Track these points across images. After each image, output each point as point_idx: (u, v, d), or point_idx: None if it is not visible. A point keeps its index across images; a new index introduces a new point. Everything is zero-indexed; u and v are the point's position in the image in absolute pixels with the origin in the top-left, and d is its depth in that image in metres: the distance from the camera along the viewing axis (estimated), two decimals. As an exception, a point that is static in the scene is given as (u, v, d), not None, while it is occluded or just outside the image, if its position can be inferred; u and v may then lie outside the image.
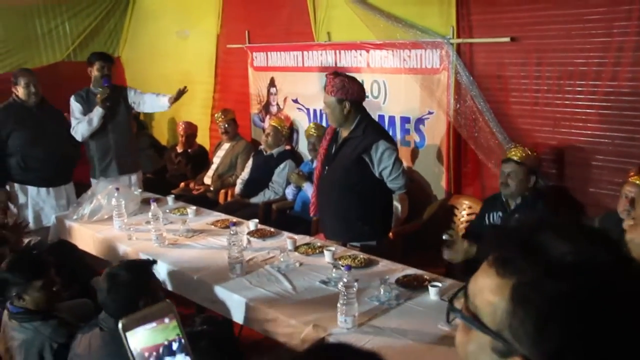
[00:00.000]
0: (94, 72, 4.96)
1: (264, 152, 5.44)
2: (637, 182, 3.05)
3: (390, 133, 4.34)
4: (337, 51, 5.20)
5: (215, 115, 6.09)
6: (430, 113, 4.58)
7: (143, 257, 3.49)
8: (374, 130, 3.63)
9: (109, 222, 4.11)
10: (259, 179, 5.31)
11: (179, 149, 6.51)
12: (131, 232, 3.92)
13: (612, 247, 0.76)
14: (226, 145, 5.92)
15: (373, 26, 4.76)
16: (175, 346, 1.01)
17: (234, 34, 6.29)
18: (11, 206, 4.88)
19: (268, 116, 6.03)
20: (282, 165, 5.24)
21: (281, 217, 4.84)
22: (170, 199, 4.63)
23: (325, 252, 3.31)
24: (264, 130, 5.84)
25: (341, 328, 2.51)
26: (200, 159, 6.40)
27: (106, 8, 7.54)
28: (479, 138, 4.22)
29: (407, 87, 4.70)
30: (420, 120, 4.66)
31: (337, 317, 2.52)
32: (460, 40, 4.27)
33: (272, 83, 5.97)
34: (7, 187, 4.86)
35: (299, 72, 5.61)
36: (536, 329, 0.72)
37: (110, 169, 5.08)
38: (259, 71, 6.09)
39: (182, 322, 1.08)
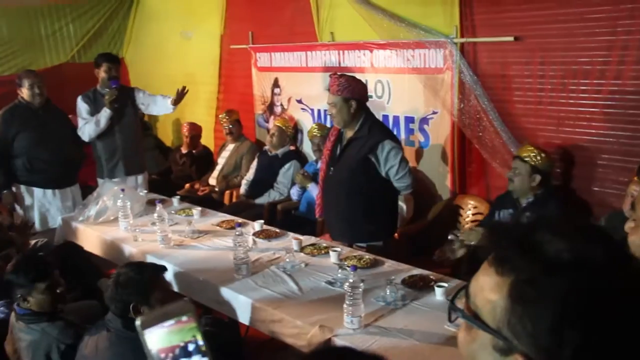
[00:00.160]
0: (101, 73, 4.98)
1: (269, 153, 5.45)
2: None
3: (395, 133, 4.33)
4: (341, 51, 5.21)
5: (220, 116, 6.10)
6: (434, 113, 4.58)
7: (150, 258, 3.51)
8: (379, 129, 3.63)
9: (115, 223, 4.12)
10: (264, 180, 5.32)
11: (184, 150, 6.52)
12: (137, 233, 3.92)
13: (612, 245, 0.77)
14: (231, 146, 5.93)
15: (376, 26, 4.76)
16: (191, 347, 1.01)
17: (237, 35, 6.30)
18: (17, 208, 4.90)
19: (272, 117, 6.04)
20: (287, 166, 5.24)
21: (286, 218, 4.85)
22: (175, 200, 4.64)
23: (331, 253, 3.31)
24: (268, 130, 5.85)
25: (347, 329, 2.51)
26: (204, 160, 6.42)
27: (110, 9, 7.56)
28: (484, 137, 4.21)
29: (411, 87, 4.70)
30: (424, 120, 4.67)
31: (343, 318, 2.53)
32: (463, 40, 4.27)
33: (276, 83, 5.98)
34: (13, 189, 4.88)
35: (303, 72, 5.61)
36: (534, 325, 0.73)
37: (117, 170, 5.10)
38: (263, 72, 6.10)
39: None
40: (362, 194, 3.58)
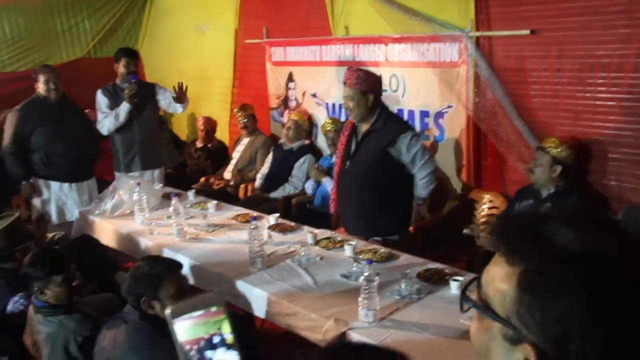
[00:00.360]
0: (121, 68, 5.02)
1: (284, 147, 5.46)
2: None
3: (410, 126, 4.34)
4: (355, 45, 5.20)
5: (234, 110, 6.12)
6: (449, 107, 4.56)
7: (165, 251, 3.54)
8: (396, 122, 3.65)
9: (131, 216, 4.15)
10: (279, 174, 5.33)
11: (199, 144, 6.55)
12: (153, 226, 3.96)
13: (626, 239, 0.76)
14: (245, 140, 5.95)
15: (391, 20, 4.75)
16: (216, 340, 1.02)
17: (252, 29, 6.31)
18: (35, 201, 4.95)
19: (287, 111, 6.05)
20: (301, 160, 5.25)
21: (301, 212, 4.86)
22: (191, 193, 4.66)
23: (346, 247, 3.32)
24: (283, 125, 5.86)
25: (362, 322, 2.52)
26: (219, 154, 6.44)
27: (125, 4, 7.61)
28: (499, 131, 4.19)
29: (426, 81, 4.68)
30: (439, 114, 4.65)
31: (358, 311, 2.53)
32: (479, 34, 4.24)
33: (290, 78, 5.98)
34: (31, 181, 4.92)
35: (317, 66, 5.61)
36: (542, 314, 0.73)
37: (134, 164, 5.15)
38: (277, 66, 6.10)
39: None
40: (378, 187, 3.58)
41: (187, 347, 1.00)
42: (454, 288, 2.74)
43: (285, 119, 5.99)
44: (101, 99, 5.04)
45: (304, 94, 5.86)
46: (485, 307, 0.81)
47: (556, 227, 0.77)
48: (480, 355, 0.85)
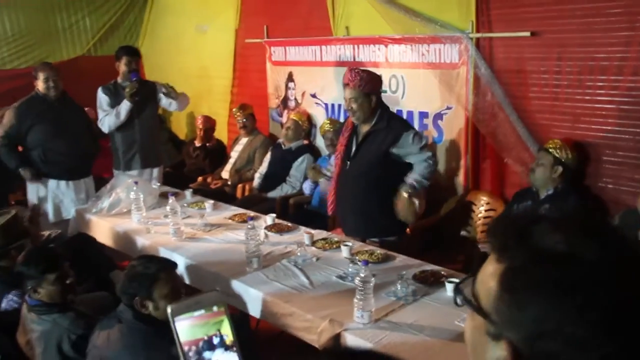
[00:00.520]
0: (122, 66, 5.02)
1: (283, 146, 5.45)
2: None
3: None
4: (356, 46, 5.18)
5: (234, 110, 6.11)
6: (448, 108, 4.55)
7: (162, 250, 3.53)
8: (398, 121, 3.64)
9: (128, 215, 4.15)
10: (277, 173, 5.32)
11: (197, 143, 6.54)
12: (149, 225, 3.95)
13: (615, 243, 0.76)
14: (244, 140, 5.94)
15: (391, 20, 4.74)
16: (215, 341, 1.01)
17: (252, 29, 6.30)
18: (32, 199, 4.93)
19: (286, 111, 6.04)
20: (299, 160, 5.25)
21: (298, 212, 4.85)
22: (188, 193, 4.66)
23: (342, 247, 3.31)
24: (282, 125, 5.86)
25: (357, 323, 2.51)
26: (218, 154, 6.44)
27: (126, 3, 7.61)
28: (498, 133, 4.18)
29: (426, 82, 4.67)
30: (438, 116, 4.64)
31: (354, 312, 2.53)
32: (479, 35, 4.23)
33: (290, 78, 5.97)
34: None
35: (317, 66, 5.60)
36: (518, 313, 0.74)
37: (134, 162, 5.15)
38: (277, 66, 6.09)
39: None
40: (379, 188, 3.56)
41: (186, 347, 1.00)
42: (449, 290, 2.73)
43: (284, 118, 5.98)
44: (102, 97, 5.04)
45: (303, 94, 5.85)
46: (472, 302, 0.82)
47: (545, 228, 0.77)
48: (469, 350, 0.86)
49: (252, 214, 3.99)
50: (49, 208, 4.96)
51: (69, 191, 5.01)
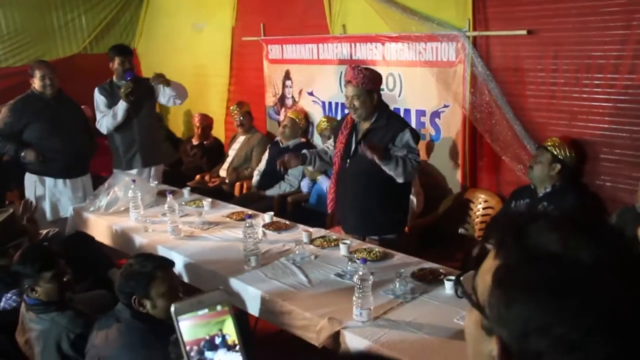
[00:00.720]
0: (115, 66, 5.00)
1: (280, 144, 5.45)
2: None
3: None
4: (353, 44, 5.19)
5: (231, 108, 6.11)
6: (446, 106, 4.56)
7: (160, 249, 3.53)
8: (397, 120, 3.64)
9: (126, 214, 4.14)
10: (275, 171, 5.28)
11: (195, 142, 6.54)
12: (147, 224, 3.94)
13: (609, 244, 0.76)
14: (241, 138, 5.94)
15: (388, 19, 4.74)
16: (218, 341, 1.01)
17: (249, 27, 6.30)
18: (27, 196, 4.90)
19: (283, 109, 6.04)
20: (297, 158, 5.24)
21: (296, 210, 4.86)
22: (186, 191, 4.65)
23: (341, 245, 3.31)
24: (279, 122, 5.86)
25: (356, 321, 2.51)
26: (215, 152, 6.43)
27: (122, 1, 7.61)
28: (495, 131, 4.19)
29: (423, 80, 4.68)
30: (435, 114, 4.65)
31: (352, 310, 2.53)
32: (476, 33, 4.24)
33: (287, 76, 5.97)
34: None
35: (314, 64, 5.60)
36: (507, 310, 0.75)
37: (135, 161, 5.14)
38: (274, 64, 6.09)
39: None
40: (379, 186, 3.54)
41: (188, 347, 1.00)
42: (448, 288, 2.74)
43: (281, 116, 5.98)
44: (99, 99, 5.03)
45: (300, 91, 5.85)
46: (469, 294, 0.84)
47: (541, 227, 0.78)
48: (467, 343, 0.87)
49: (250, 212, 3.99)
50: (47, 206, 4.95)
51: (66, 189, 5.00)
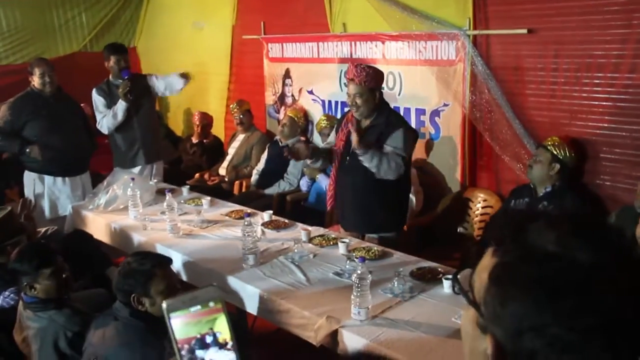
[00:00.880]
0: (111, 64, 4.99)
1: (280, 143, 5.44)
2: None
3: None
4: (353, 42, 5.18)
5: (231, 106, 6.10)
6: (445, 105, 4.55)
7: (158, 247, 3.53)
8: (396, 118, 3.65)
9: (125, 212, 4.14)
10: (274, 170, 5.32)
11: (194, 140, 6.53)
12: (146, 222, 3.94)
13: (607, 245, 0.76)
14: (241, 136, 5.93)
15: (388, 17, 4.73)
16: (209, 339, 1.00)
17: (249, 25, 6.29)
18: (27, 194, 4.90)
19: (283, 107, 6.03)
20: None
21: (295, 209, 4.85)
22: (185, 189, 4.64)
23: (340, 244, 3.31)
24: (278, 121, 5.85)
25: (354, 320, 2.51)
26: (215, 150, 6.43)
27: (122, -1, 7.59)
28: (495, 130, 4.18)
29: (423, 79, 4.67)
30: (435, 112, 4.64)
31: (351, 309, 2.53)
32: (476, 32, 4.23)
33: (287, 74, 5.97)
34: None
35: (315, 63, 5.59)
36: (502, 308, 0.75)
37: (138, 159, 5.14)
38: (275, 62, 6.08)
39: None
40: (378, 183, 3.53)
41: (179, 346, 0.99)
42: (447, 287, 2.74)
43: (281, 115, 5.98)
44: (97, 99, 5.01)
45: (300, 90, 5.84)
46: (466, 292, 0.84)
47: (540, 226, 0.78)
48: (463, 341, 0.88)
49: (249, 210, 3.99)
50: (46, 204, 4.94)
51: (65, 188, 5.00)
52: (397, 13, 4.62)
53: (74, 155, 4.97)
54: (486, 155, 4.41)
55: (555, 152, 3.62)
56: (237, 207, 4.27)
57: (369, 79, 3.46)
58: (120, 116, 4.93)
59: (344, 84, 3.78)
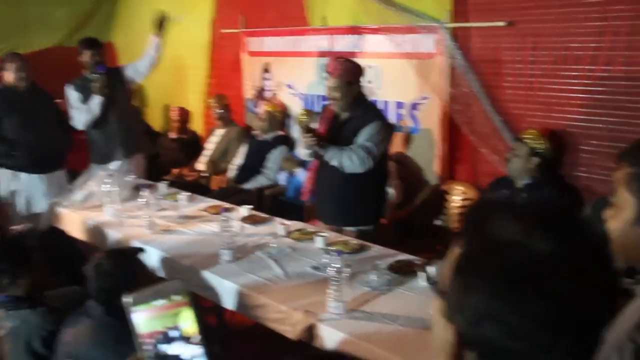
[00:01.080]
0: (86, 59, 4.90)
1: (258, 138, 5.41)
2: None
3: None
4: (332, 36, 5.16)
5: (209, 100, 6.06)
6: (424, 98, 4.55)
7: (135, 244, 3.48)
8: (373, 111, 3.65)
9: (101, 208, 4.08)
10: (253, 165, 5.28)
11: (172, 135, 6.47)
12: (123, 218, 3.89)
13: (577, 237, 0.76)
14: (220, 131, 5.89)
15: (367, 10, 4.72)
16: (173, 334, 0.98)
17: (228, 19, 6.24)
18: (2, 190, 4.82)
19: (262, 102, 5.99)
20: (275, 151, 5.20)
21: (274, 203, 4.82)
22: (163, 185, 4.59)
23: (317, 238, 3.29)
24: (257, 115, 5.81)
25: (332, 314, 2.49)
26: (193, 145, 6.37)
27: (99, -8, 7.48)
28: (473, 123, 4.19)
29: (402, 72, 4.66)
30: (414, 106, 4.64)
31: (328, 303, 2.51)
32: (455, 25, 4.23)
33: (266, 68, 5.93)
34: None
35: (294, 57, 5.57)
36: (462, 297, 0.77)
37: (116, 153, 5.04)
38: (254, 56, 6.05)
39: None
40: (356, 176, 3.53)
41: (144, 340, 0.96)
42: (423, 280, 2.73)
43: (260, 109, 5.94)
44: (71, 94, 4.90)
45: (279, 84, 5.81)
46: (433, 282, 0.86)
47: (504, 217, 0.78)
48: (432, 330, 0.89)
49: (226, 205, 3.96)
50: (21, 201, 4.87)
51: (41, 185, 4.92)
52: (376, 6, 4.60)
53: (49, 152, 4.89)
54: (464, 148, 4.41)
55: (533, 146, 3.62)
56: (216, 202, 4.23)
57: (346, 73, 3.47)
58: (95, 111, 4.84)
59: (324, 77, 3.77)
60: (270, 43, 5.82)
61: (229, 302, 2.91)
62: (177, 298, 0.98)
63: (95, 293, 2.36)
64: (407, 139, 4.69)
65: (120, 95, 5.01)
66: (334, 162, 3.48)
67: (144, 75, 5.22)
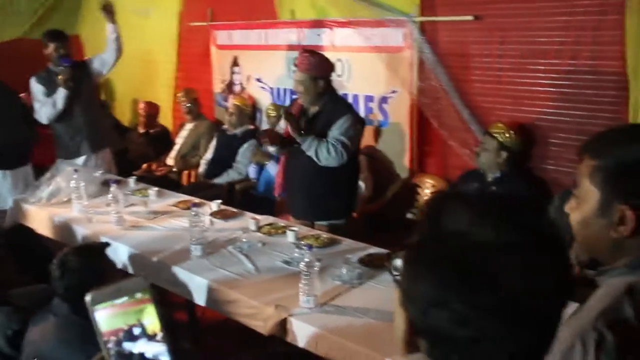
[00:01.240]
0: (51, 52, 4.80)
1: (228, 132, 5.37)
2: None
3: (355, 112, 4.32)
4: (301, 29, 5.14)
5: (178, 95, 6.00)
6: (393, 92, 4.57)
7: (104, 240, 3.43)
8: (343, 105, 3.64)
9: (68, 205, 4.01)
10: (223, 159, 5.25)
11: (141, 130, 6.38)
12: (91, 214, 3.83)
13: (527, 227, 0.77)
14: (189, 126, 5.84)
15: (336, 3, 4.72)
16: (136, 331, 0.96)
17: (196, 12, 6.17)
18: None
19: (231, 95, 5.95)
20: (245, 145, 5.18)
21: (245, 198, 4.80)
22: (131, 180, 4.53)
23: (288, 232, 3.28)
24: (227, 109, 5.77)
25: (303, 308, 2.50)
26: (162, 140, 6.29)
27: (64, -17, 7.31)
28: (442, 116, 4.23)
29: (371, 66, 4.67)
30: (383, 99, 4.65)
31: (299, 297, 2.51)
32: (424, 19, 4.25)
33: (235, 62, 5.89)
34: None
35: (262, 50, 5.54)
36: (412, 287, 0.78)
37: (82, 148, 4.95)
38: (222, 50, 6.00)
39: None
40: (327, 170, 3.52)
41: (106, 338, 0.95)
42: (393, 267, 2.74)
43: (229, 103, 5.90)
44: (36, 87, 4.80)
45: (248, 78, 5.78)
46: (393, 273, 0.89)
47: (456, 207, 0.79)
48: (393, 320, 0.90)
49: (196, 200, 3.92)
50: (-15, 198, 4.76)
51: (6, 181, 4.81)
52: (345, -1, 4.60)
53: (13, 147, 4.77)
54: (434, 142, 4.45)
55: (501, 140, 3.67)
56: (185, 197, 4.19)
57: (313, 67, 3.46)
58: (60, 104, 4.75)
59: (293, 71, 3.75)
60: (239, 36, 5.78)
61: (200, 297, 2.89)
62: (139, 295, 0.96)
63: (60, 291, 2.32)
64: (377, 133, 4.71)
65: (86, 88, 4.91)
66: (310, 152, 3.45)
67: (110, 65, 5.09)
